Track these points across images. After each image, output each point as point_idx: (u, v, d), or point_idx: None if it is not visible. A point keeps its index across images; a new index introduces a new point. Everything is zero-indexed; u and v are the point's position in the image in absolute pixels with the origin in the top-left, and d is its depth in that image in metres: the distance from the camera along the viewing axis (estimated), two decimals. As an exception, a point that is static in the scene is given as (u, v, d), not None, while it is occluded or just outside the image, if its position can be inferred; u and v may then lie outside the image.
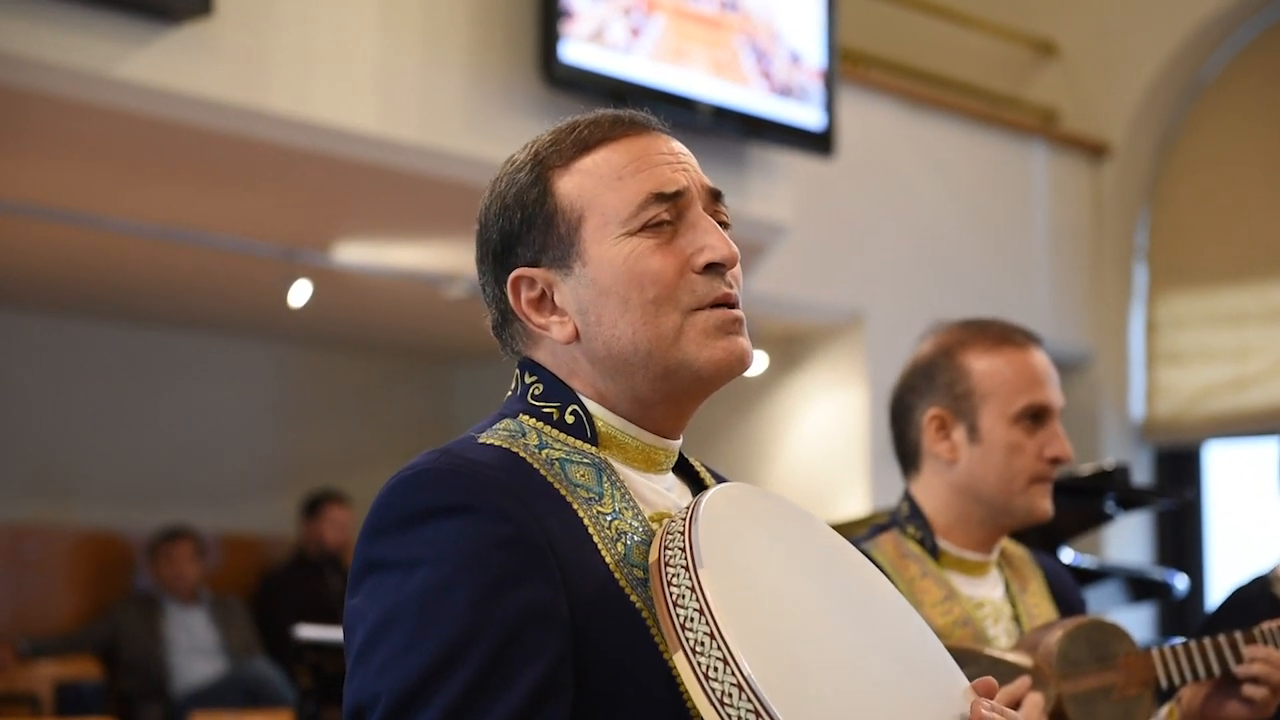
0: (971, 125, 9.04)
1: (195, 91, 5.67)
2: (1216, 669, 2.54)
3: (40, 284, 8.45)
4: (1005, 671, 2.45)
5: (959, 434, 2.74)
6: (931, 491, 2.77)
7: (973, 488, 2.73)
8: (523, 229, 1.82)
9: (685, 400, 1.82)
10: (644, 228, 1.78)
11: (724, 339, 1.79)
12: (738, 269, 1.83)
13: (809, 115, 7.48)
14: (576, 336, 1.80)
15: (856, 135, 8.11)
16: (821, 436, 8.46)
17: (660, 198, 1.79)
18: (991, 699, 1.76)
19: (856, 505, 8.04)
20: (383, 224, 7.52)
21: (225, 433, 9.70)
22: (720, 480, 1.95)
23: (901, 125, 8.64)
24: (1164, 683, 2.52)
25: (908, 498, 2.81)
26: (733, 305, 1.80)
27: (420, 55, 6.32)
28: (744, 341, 1.80)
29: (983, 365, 2.74)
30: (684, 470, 1.92)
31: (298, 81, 5.95)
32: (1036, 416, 2.73)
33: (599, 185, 1.80)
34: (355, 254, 7.83)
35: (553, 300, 1.81)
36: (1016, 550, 2.89)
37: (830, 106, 7.55)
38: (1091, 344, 9.64)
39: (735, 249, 1.80)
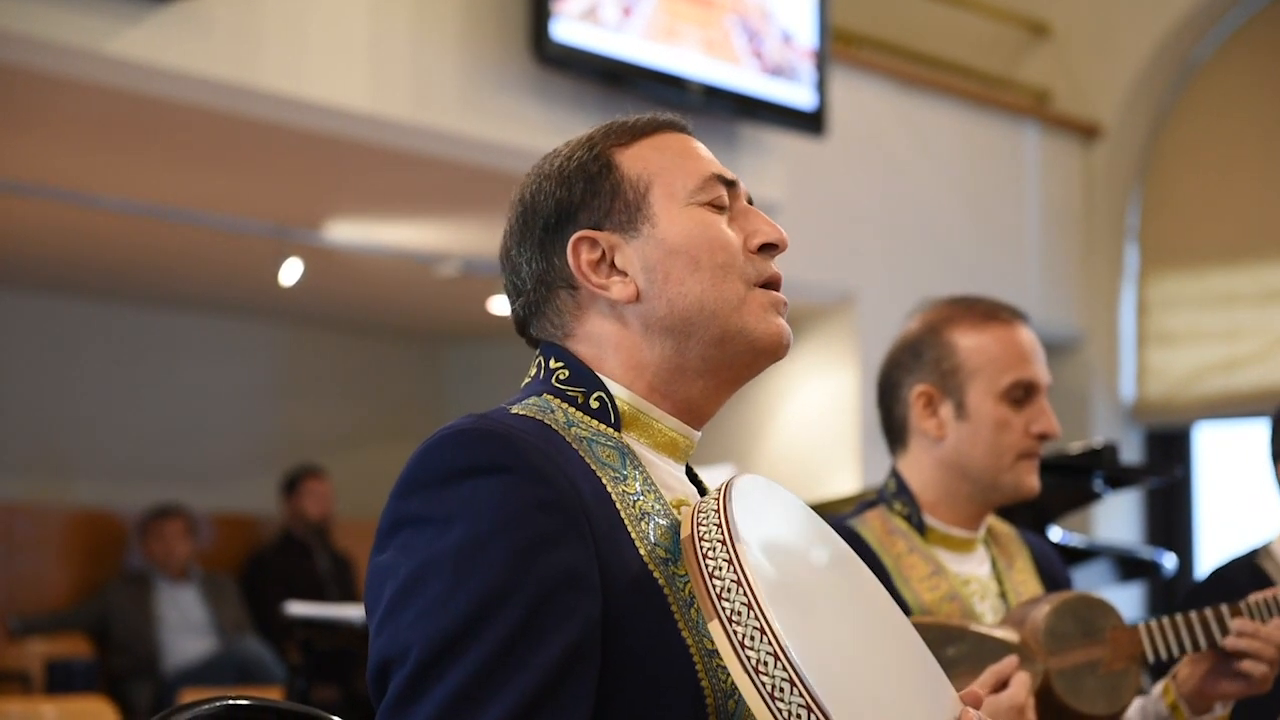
0: (963, 106, 9.04)
1: (186, 68, 5.66)
2: (1203, 643, 2.55)
3: (29, 263, 8.44)
4: (992, 648, 2.46)
5: (946, 410, 2.75)
6: (919, 468, 2.78)
7: (960, 464, 2.74)
8: (586, 196, 1.85)
9: (733, 374, 1.86)
10: (709, 202, 1.85)
11: (778, 318, 1.85)
12: None
13: (800, 95, 7.47)
14: (637, 296, 1.82)
15: (848, 115, 8.11)
16: (813, 416, 8.47)
17: (721, 180, 1.87)
18: (978, 710, 1.78)
19: (847, 484, 8.06)
20: (374, 202, 7.52)
21: (216, 411, 9.70)
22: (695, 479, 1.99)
23: (893, 105, 8.63)
24: (1150, 657, 2.53)
25: (894, 474, 2.81)
26: (779, 286, 1.87)
27: (412, 33, 6.31)
28: (789, 327, 1.87)
29: (970, 342, 2.75)
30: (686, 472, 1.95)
31: (289, 59, 5.94)
32: (1024, 393, 2.74)
33: (662, 160, 1.86)
34: (346, 232, 7.83)
35: (612, 263, 1.84)
36: (1003, 528, 2.90)
37: (822, 86, 7.55)
38: (1082, 324, 9.65)
39: (785, 234, 1.87)
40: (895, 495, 2.79)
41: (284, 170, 6.93)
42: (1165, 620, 2.55)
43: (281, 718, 1.96)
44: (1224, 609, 2.56)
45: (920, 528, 2.76)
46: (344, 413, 10.22)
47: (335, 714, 2.02)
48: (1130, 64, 9.72)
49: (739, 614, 1.61)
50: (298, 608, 5.08)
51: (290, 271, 7.87)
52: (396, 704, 1.64)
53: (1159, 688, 2.61)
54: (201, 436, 9.60)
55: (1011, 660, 2.39)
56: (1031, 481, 2.74)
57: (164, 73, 5.63)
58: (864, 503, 2.84)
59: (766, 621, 1.59)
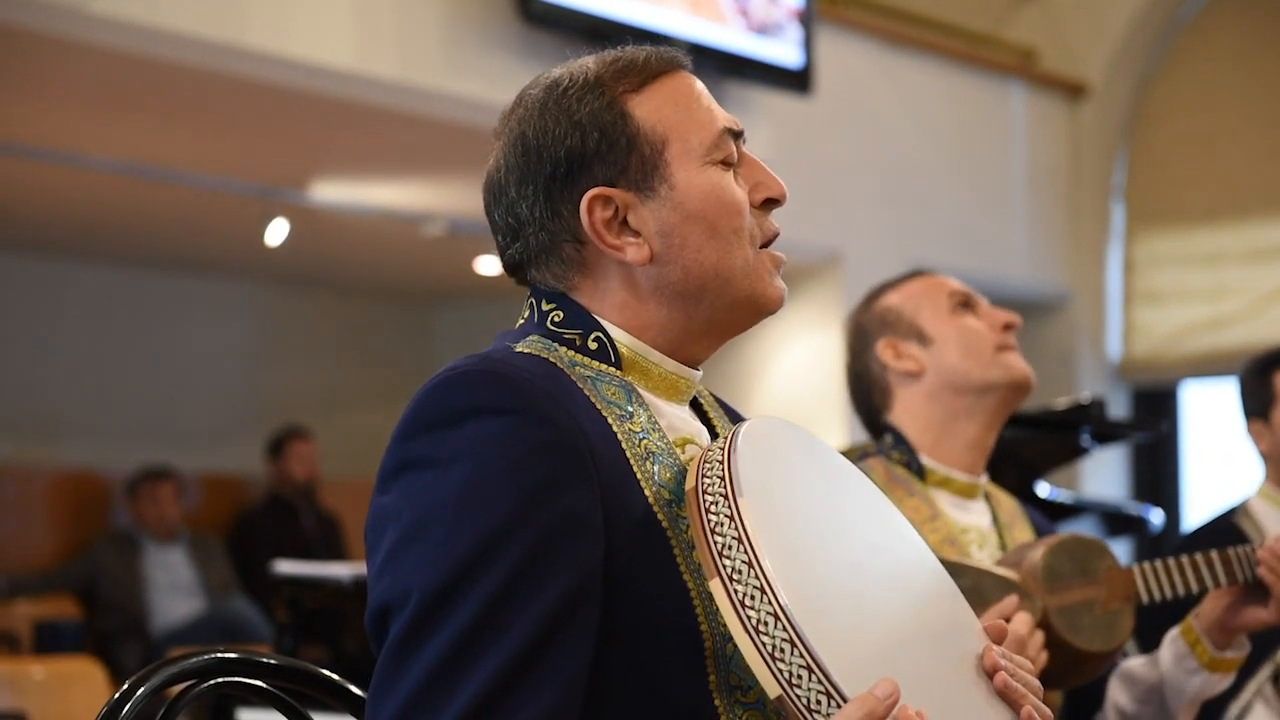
0: (950, 65, 9.02)
1: (171, 27, 5.63)
2: (1195, 587, 2.59)
3: (13, 223, 8.42)
4: (993, 584, 2.48)
5: (911, 347, 2.82)
6: (911, 412, 2.82)
7: (948, 382, 2.79)
8: (601, 148, 1.79)
9: (730, 332, 1.86)
10: (722, 160, 1.82)
11: (779, 279, 1.86)
12: None
13: (787, 53, 7.46)
14: (650, 259, 1.79)
15: (834, 74, 8.10)
16: (800, 375, 8.48)
17: (732, 133, 1.84)
18: (1000, 643, 1.76)
19: (835, 442, 8.05)
20: (360, 162, 7.50)
21: (203, 372, 9.70)
22: (730, 413, 1.96)
23: (879, 64, 8.62)
24: (1145, 598, 2.56)
25: (888, 429, 2.83)
26: (775, 240, 1.88)
27: (397, -9, 6.29)
28: (784, 285, 1.89)
29: (898, 296, 2.87)
30: (693, 406, 1.93)
31: (275, 17, 5.92)
32: (966, 304, 2.84)
33: (676, 112, 1.82)
34: (332, 192, 7.81)
35: (625, 222, 1.80)
36: (1005, 496, 2.93)
37: (808, 45, 7.54)
38: (1069, 283, 9.66)
39: (785, 186, 1.86)
40: (893, 447, 2.82)
41: (270, 130, 6.91)
42: (1159, 563, 2.58)
43: (269, 671, 1.95)
44: (1214, 555, 2.58)
45: (920, 472, 2.79)
46: (331, 373, 10.22)
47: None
48: (1116, 23, 9.71)
49: (739, 572, 1.59)
50: (285, 566, 5.09)
51: (276, 232, 7.86)
52: (398, 649, 1.62)
53: (1176, 630, 2.65)
54: (188, 397, 9.59)
55: (1012, 599, 2.43)
56: (1021, 366, 2.79)
57: (149, 31, 5.61)
58: (862, 454, 2.86)
59: (767, 580, 1.57)
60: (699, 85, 1.87)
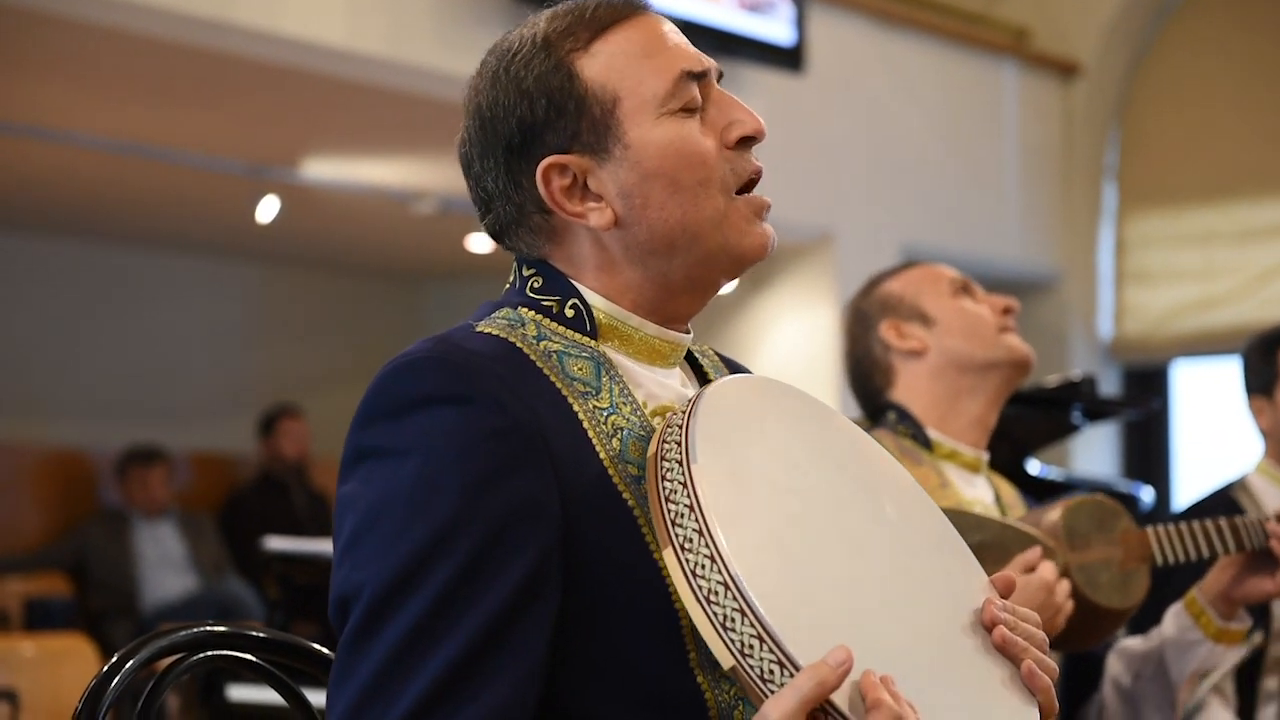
0: (942, 44, 9.01)
1: (161, 3, 5.61)
2: (1205, 552, 2.63)
3: (2, 201, 8.39)
4: (1014, 537, 2.51)
5: (914, 327, 2.87)
6: (915, 390, 2.86)
7: (953, 360, 2.84)
8: (550, 115, 1.75)
9: (713, 285, 1.81)
10: (682, 108, 1.76)
11: (760, 225, 1.80)
12: None
13: (779, 31, 7.44)
14: (615, 223, 1.75)
15: (827, 52, 8.08)
16: (791, 354, 8.48)
17: (691, 76, 1.77)
18: (1008, 597, 1.73)
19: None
20: (351, 139, 7.49)
21: (193, 350, 9.68)
22: (734, 368, 1.92)
23: (872, 43, 8.61)
24: (1159, 559, 2.60)
25: (892, 407, 2.86)
26: (758, 180, 1.81)
27: (388, -32, 6.28)
28: (771, 228, 1.82)
29: (898, 282, 2.93)
30: (692, 364, 1.90)
31: (264, -6, 5.91)
32: (965, 289, 2.91)
33: (627, 65, 1.76)
34: (323, 170, 7.80)
35: (585, 187, 1.75)
36: (1004, 482, 2.98)
37: (800, 22, 7.52)
38: (1060, 263, 9.65)
39: (761, 121, 1.80)
40: (898, 422, 2.85)
41: (260, 107, 6.90)
42: (1171, 527, 2.62)
43: (259, 645, 1.95)
44: (1223, 521, 2.63)
45: (927, 445, 2.83)
46: (322, 351, 10.21)
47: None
48: (1109, 3, 9.70)
49: (691, 541, 1.55)
50: (275, 542, 5.08)
51: (267, 209, 7.84)
52: (353, 641, 1.62)
53: (1178, 604, 2.69)
54: (178, 376, 9.58)
55: (1036, 550, 2.46)
56: (1023, 346, 2.85)
57: (139, 7, 5.59)
58: (866, 429, 2.88)
59: (717, 549, 1.54)
60: (659, 27, 1.80)
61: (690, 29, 6.55)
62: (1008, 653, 1.66)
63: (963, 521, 2.45)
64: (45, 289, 9.10)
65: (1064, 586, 2.45)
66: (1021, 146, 9.48)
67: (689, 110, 1.77)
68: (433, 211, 8.06)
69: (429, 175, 7.87)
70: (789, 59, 7.50)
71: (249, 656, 1.93)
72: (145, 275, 9.49)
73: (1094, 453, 9.56)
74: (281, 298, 10.13)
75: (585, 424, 1.70)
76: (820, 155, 8.30)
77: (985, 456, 2.88)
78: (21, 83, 6.43)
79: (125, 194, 8.25)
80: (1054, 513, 2.57)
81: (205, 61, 6.07)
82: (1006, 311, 2.87)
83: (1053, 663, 1.68)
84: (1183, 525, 2.62)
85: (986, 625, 1.68)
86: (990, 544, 2.49)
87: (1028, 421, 4.33)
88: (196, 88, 6.53)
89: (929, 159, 8.91)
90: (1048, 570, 2.43)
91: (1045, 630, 2.23)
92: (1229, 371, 4.01)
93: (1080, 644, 2.61)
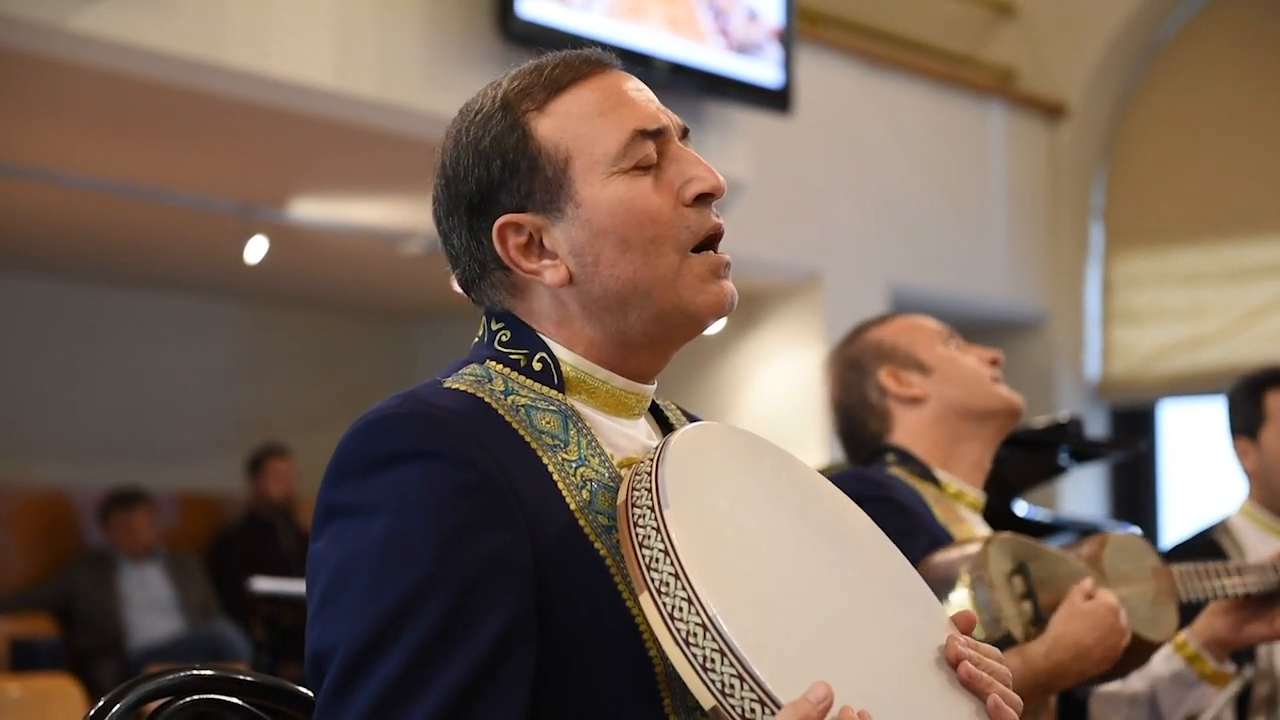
0: (929, 85, 9.04)
1: (151, 45, 5.62)
2: (1223, 592, 2.73)
3: (-7, 240, 8.39)
4: (1066, 571, 2.56)
5: (912, 375, 2.92)
6: (915, 434, 2.90)
7: (954, 406, 2.89)
8: (504, 175, 1.78)
9: (672, 343, 1.81)
10: (635, 166, 1.77)
11: (716, 284, 1.78)
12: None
13: (766, 73, 7.47)
14: (570, 280, 1.77)
15: (814, 94, 8.11)
16: (779, 395, 8.48)
17: (645, 134, 1.78)
18: (969, 633, 1.74)
19: (813, 463, 8.05)
20: (340, 180, 7.49)
21: (181, 390, 9.67)
22: (694, 420, 1.93)
23: (859, 84, 8.64)
24: (1184, 598, 2.69)
25: (891, 449, 2.90)
26: (719, 238, 1.81)
27: (377, 9, 6.29)
28: (731, 285, 1.81)
29: (886, 330, 2.99)
30: (657, 414, 1.91)
31: (254, 35, 5.91)
32: (950, 339, 2.98)
33: (581, 125, 1.78)
34: (312, 210, 7.80)
35: (541, 245, 1.78)
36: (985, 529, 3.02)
37: (788, 65, 7.55)
38: (1047, 303, 9.67)
39: (721, 178, 1.79)
40: (901, 464, 2.88)
41: (249, 147, 6.90)
42: (1190, 568, 2.71)
43: (246, 688, 1.94)
44: (1235, 563, 2.74)
45: (935, 483, 2.87)
46: (310, 392, 10.19)
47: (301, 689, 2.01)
48: (1095, 43, 9.74)
49: (667, 584, 1.57)
50: (262, 583, 5.07)
51: (255, 250, 7.84)
52: (329, 701, 1.62)
53: (1168, 648, 2.77)
54: (166, 416, 9.56)
55: (1088, 581, 2.51)
56: (1014, 395, 2.92)
57: (129, 49, 5.59)
58: (864, 465, 2.93)
59: (694, 592, 1.55)
60: (618, 84, 1.82)
61: (678, 71, 6.56)
62: (973, 687, 1.67)
63: (1022, 549, 2.50)
64: (32, 328, 9.09)
65: (1124, 613, 2.49)
66: (1008, 187, 9.51)
67: (642, 168, 1.77)
68: (421, 252, 8.06)
69: (417, 216, 7.88)
70: (777, 101, 7.52)
71: (236, 700, 1.93)
72: (132, 315, 9.48)
73: (1082, 493, 9.57)
74: (269, 338, 10.12)
75: (555, 476, 1.71)
76: (808, 196, 8.32)
77: (984, 498, 2.93)
78: (9, 123, 6.44)
79: (112, 234, 8.24)
80: (1093, 545, 2.64)
81: (194, 102, 6.08)
82: (994, 363, 2.94)
83: (1017, 697, 1.69)
84: (1199, 566, 2.68)
85: (951, 661, 1.69)
86: (1042, 573, 2.55)
87: (1015, 463, 4.32)
88: (185, 128, 6.53)
89: (916, 200, 8.93)
90: (1109, 596, 2.47)
91: (1107, 655, 2.28)
92: (1216, 411, 4.02)
93: (1114, 673, 2.64)
